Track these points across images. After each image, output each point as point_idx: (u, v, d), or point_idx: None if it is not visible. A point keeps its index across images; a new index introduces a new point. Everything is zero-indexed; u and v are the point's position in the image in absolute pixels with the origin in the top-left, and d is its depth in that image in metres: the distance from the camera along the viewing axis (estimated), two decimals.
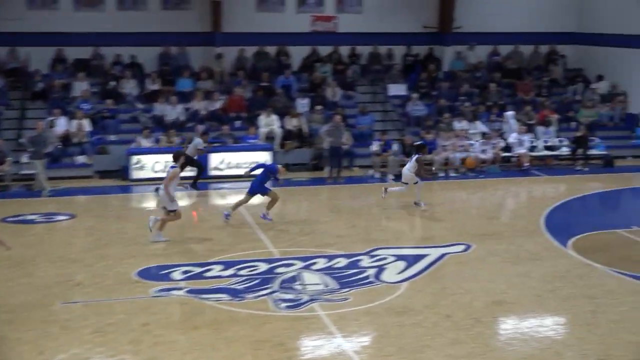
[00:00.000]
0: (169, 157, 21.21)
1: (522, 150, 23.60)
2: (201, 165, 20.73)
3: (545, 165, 23.88)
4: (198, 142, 20.55)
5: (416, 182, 18.41)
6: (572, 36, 29.08)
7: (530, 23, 28.43)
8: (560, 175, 22.71)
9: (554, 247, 15.46)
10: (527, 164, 23.30)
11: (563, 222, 17.46)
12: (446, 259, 14.59)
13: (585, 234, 16.34)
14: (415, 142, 20.49)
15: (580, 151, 23.87)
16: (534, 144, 24.17)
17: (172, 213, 15.38)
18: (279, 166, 17.09)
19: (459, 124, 24.20)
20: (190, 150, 20.20)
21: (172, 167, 15.46)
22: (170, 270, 13.67)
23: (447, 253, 14.89)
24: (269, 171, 16.80)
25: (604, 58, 27.78)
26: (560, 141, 24.55)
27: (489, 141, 23.40)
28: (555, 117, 25.40)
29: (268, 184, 16.87)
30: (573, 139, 24.24)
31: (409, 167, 18.46)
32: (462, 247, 15.30)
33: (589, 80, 28.14)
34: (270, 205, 16.80)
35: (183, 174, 19.74)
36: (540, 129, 24.80)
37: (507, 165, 23.62)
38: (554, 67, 28.44)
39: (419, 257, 14.55)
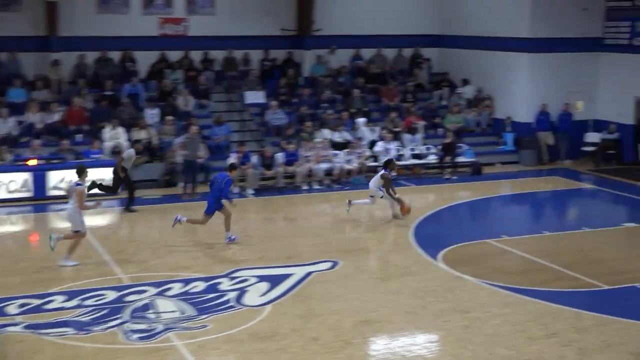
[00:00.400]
0: (1, 177, 20.52)
1: None
2: (133, 183, 20.29)
3: (412, 175, 24.52)
4: (131, 152, 20.15)
5: (382, 197, 18.87)
6: (436, 39, 30.06)
7: (393, 25, 29.20)
8: (428, 185, 23.38)
9: (424, 260, 15.88)
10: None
11: (432, 234, 17.97)
12: (312, 277, 14.69)
13: (455, 246, 16.87)
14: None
15: (448, 159, 24.66)
16: (401, 153, 24.77)
17: (77, 233, 15.15)
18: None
19: (322, 133, 24.49)
20: (126, 163, 19.79)
21: (77, 184, 15.18)
22: (4, 303, 13.11)
23: (312, 271, 15.01)
24: (229, 185, 16.73)
25: (469, 61, 28.86)
26: (428, 149, 25.29)
27: (354, 150, 23.79)
28: (421, 123, 26.15)
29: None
30: (441, 146, 25.02)
31: (374, 182, 18.94)
32: (328, 265, 15.46)
33: (454, 84, 29.17)
34: (227, 223, 16.83)
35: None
36: (406, 136, 25.46)
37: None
38: (419, 71, 29.31)
39: (283, 277, 14.59)
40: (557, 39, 26.57)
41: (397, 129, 25.60)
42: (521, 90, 27.02)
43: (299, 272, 14.90)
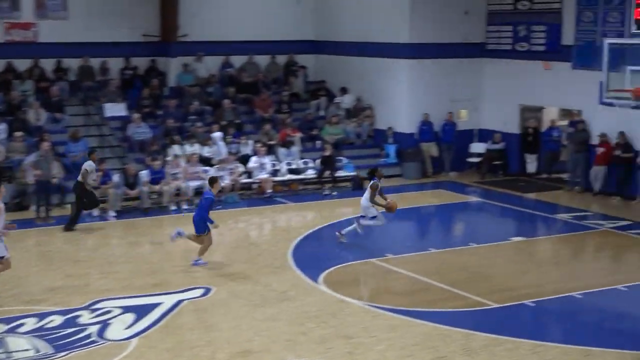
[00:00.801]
0: None
1: (263, 175, 24.19)
2: (96, 199, 20.56)
3: (290, 191, 24.62)
4: (89, 165, 20.32)
5: (374, 216, 18.54)
6: (312, 45, 30.38)
7: (266, 31, 29.30)
8: (307, 202, 23.53)
9: (305, 283, 15.96)
10: (270, 190, 23.91)
11: (313, 255, 18.09)
12: (182, 306, 14.55)
13: (337, 267, 17.04)
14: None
15: (327, 173, 24.88)
16: (277, 167, 24.86)
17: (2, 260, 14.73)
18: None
19: (190, 148, 24.33)
20: (83, 177, 20.02)
21: None
22: None
23: (183, 300, 14.87)
24: (209, 203, 16.89)
25: (347, 69, 29.26)
26: (305, 163, 25.46)
27: (226, 166, 23.73)
28: (298, 136, 26.32)
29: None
30: (319, 160, 25.23)
31: (366, 197, 18.59)
32: (200, 292, 15.35)
33: (332, 93, 29.51)
34: (203, 249, 17.08)
35: None
36: (282, 150, 25.56)
37: (248, 193, 24.08)
38: (294, 79, 29.53)
39: (150, 307, 14.39)
40: (438, 45, 27.28)
41: (271, 142, 25.69)
42: (402, 99, 27.56)
43: (167, 301, 14.73)
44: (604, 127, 24.17)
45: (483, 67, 28.15)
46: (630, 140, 23.70)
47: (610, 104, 19.63)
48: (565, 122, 27.06)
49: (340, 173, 25.40)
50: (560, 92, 25.83)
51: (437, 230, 21.98)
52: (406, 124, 27.52)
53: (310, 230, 20.08)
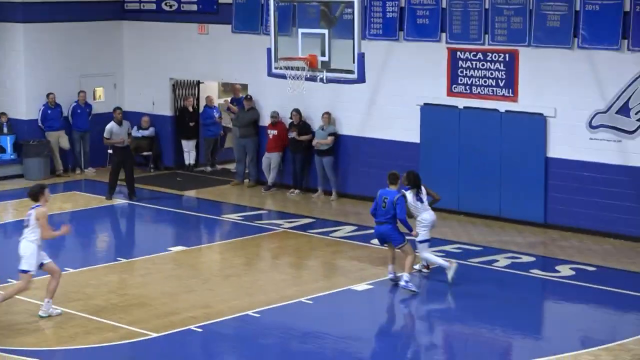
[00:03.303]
0: None
1: None
2: None
3: None
4: None
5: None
6: None
7: None
8: None
9: None
10: None
11: None
12: None
13: None
14: None
15: None
16: None
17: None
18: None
19: None
20: None
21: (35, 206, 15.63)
22: None
23: None
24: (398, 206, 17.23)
25: None
26: None
27: None
28: None
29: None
30: None
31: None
32: None
33: None
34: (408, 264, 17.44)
35: None
36: None
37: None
38: None
39: None
40: (60, 4, 27.02)
41: None
42: (17, 75, 27.06)
43: None
44: (276, 105, 25.05)
45: (122, 32, 28.25)
46: (307, 120, 24.79)
47: (282, 76, 20.11)
48: (227, 100, 27.84)
49: None
50: (219, 62, 26.50)
51: (74, 244, 21.63)
52: (25, 109, 27.06)
53: None
